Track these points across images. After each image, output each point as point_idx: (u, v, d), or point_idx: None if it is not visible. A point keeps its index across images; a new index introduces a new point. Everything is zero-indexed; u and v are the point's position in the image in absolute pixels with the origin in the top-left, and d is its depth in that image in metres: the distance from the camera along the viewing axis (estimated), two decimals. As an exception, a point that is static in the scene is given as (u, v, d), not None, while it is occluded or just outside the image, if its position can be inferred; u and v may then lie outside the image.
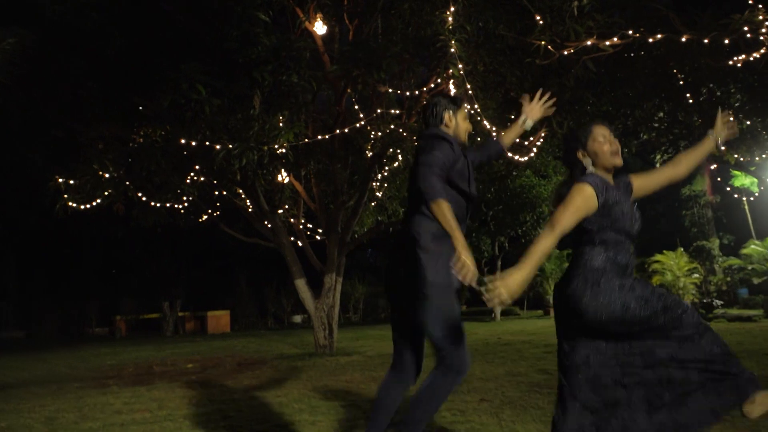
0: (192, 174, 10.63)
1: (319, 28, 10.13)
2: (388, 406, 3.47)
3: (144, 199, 11.47)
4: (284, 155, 7.79)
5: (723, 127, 3.25)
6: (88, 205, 10.34)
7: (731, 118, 3.27)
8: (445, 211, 2.88)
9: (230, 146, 7.27)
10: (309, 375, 8.69)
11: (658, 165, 19.17)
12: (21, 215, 17.83)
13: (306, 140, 8.32)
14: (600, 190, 2.90)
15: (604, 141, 3.03)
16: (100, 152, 8.16)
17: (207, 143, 7.56)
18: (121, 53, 6.84)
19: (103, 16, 6.58)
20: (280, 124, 7.41)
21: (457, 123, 3.40)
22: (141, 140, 7.60)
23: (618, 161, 3.03)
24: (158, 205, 11.77)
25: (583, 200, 2.86)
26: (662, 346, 2.89)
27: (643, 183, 3.22)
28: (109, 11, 6.56)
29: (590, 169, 3.03)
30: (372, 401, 3.51)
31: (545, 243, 2.76)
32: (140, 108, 7.14)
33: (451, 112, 3.40)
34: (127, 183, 10.14)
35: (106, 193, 9.91)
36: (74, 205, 10.33)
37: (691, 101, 10.56)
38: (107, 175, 8.77)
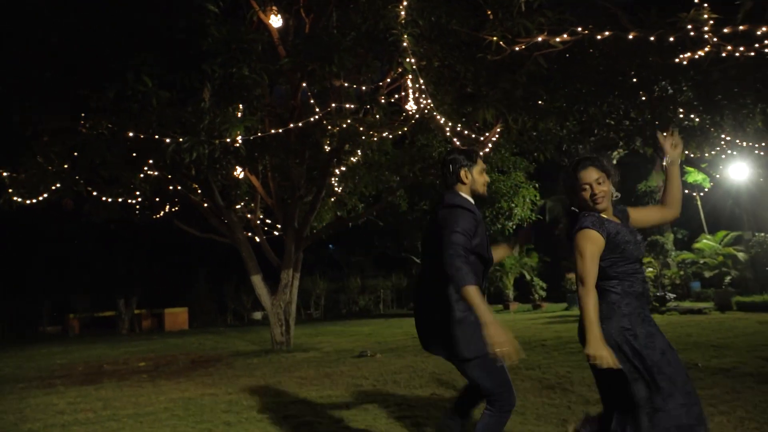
0: (146, 168, 10.42)
1: (275, 21, 10.02)
2: None
3: (95, 193, 11.21)
4: (237, 149, 7.65)
5: (672, 148, 3.36)
6: (34, 200, 10.06)
7: (672, 135, 3.34)
8: (473, 296, 2.99)
9: (180, 140, 7.12)
10: (263, 372, 8.60)
11: (614, 161, 19.47)
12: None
13: (259, 134, 8.19)
14: (598, 227, 3.05)
15: (588, 188, 3.12)
16: (45, 145, 7.91)
17: (156, 137, 7.39)
18: (66, 43, 6.62)
19: (46, 3, 6.36)
20: (233, 118, 7.28)
21: (473, 179, 3.45)
22: (86, 132, 7.37)
23: (600, 206, 3.11)
24: (110, 200, 11.52)
25: (592, 244, 3.02)
26: None
27: (638, 216, 3.36)
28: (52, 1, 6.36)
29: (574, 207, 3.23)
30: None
31: (592, 301, 2.96)
32: (86, 100, 6.92)
33: (466, 168, 3.45)
34: (77, 177, 9.88)
35: (53, 188, 9.63)
36: (19, 199, 10.03)
37: (643, 98, 10.74)
38: (52, 169, 8.50)
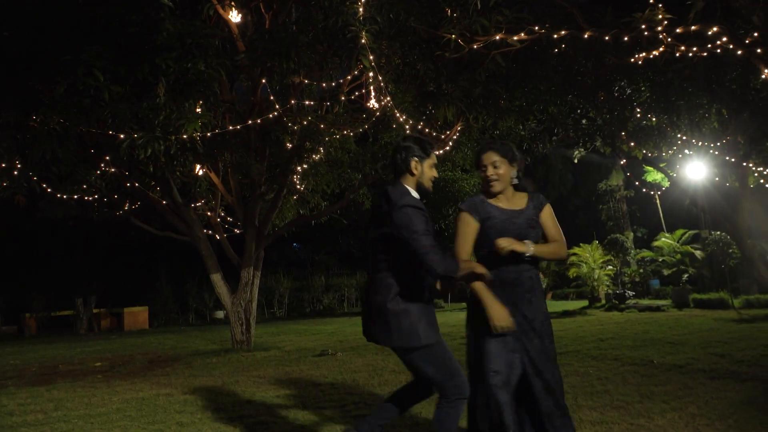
0: (102, 165, 10.19)
1: (234, 16, 9.89)
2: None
3: (49, 190, 10.93)
4: (194, 146, 7.53)
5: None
6: (-17, 197, 9.76)
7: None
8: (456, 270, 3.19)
9: (135, 136, 6.96)
10: (221, 371, 8.49)
11: (576, 161, 19.78)
12: None
13: (216, 131, 8.07)
14: (473, 211, 3.39)
15: (485, 170, 3.42)
16: (-6, 141, 7.67)
17: (111, 132, 7.23)
18: (17, 35, 6.42)
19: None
20: (189, 114, 7.15)
21: (422, 171, 3.41)
22: (36, 127, 7.15)
23: (493, 188, 3.41)
24: (65, 197, 11.25)
25: (464, 225, 3.37)
26: None
27: (545, 222, 3.51)
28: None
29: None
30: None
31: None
32: (36, 94, 6.72)
33: (417, 159, 3.40)
34: (30, 174, 9.61)
35: (3, 184, 9.35)
36: (-33, 195, 9.72)
37: (602, 98, 10.90)
38: (3, 165, 8.25)
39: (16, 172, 9.07)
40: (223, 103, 10.69)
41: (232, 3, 9.43)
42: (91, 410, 6.11)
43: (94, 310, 21.87)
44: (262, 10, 10.24)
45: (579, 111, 11.78)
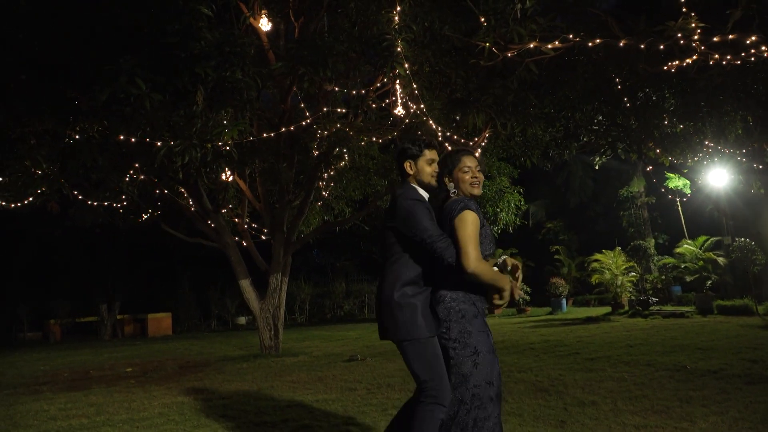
0: (131, 172, 10.34)
1: (264, 24, 10.03)
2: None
3: (81, 197, 11.10)
4: (228, 153, 7.63)
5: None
6: (19, 204, 9.93)
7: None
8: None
9: (172, 143, 7.08)
10: (254, 376, 8.57)
11: (597, 167, 19.73)
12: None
13: (251, 138, 8.18)
14: (478, 212, 3.25)
15: (469, 171, 3.37)
16: (32, 148, 7.82)
17: (148, 140, 7.35)
18: (55, 44, 6.56)
19: (34, 4, 6.30)
20: (224, 121, 7.26)
21: (418, 169, 3.42)
22: (77, 136, 7.29)
23: (475, 191, 3.38)
24: (96, 204, 11.42)
25: (473, 224, 3.19)
26: None
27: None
28: (42, 1, 6.30)
29: (453, 190, 3.39)
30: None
31: (484, 265, 3.17)
32: (75, 102, 6.86)
33: (410, 160, 3.44)
34: (62, 181, 9.77)
35: (39, 191, 9.52)
36: (4, 203, 9.91)
37: (628, 105, 10.90)
38: (40, 172, 8.41)
39: (54, 180, 9.26)
40: (256, 111, 10.84)
41: (263, 11, 9.58)
42: (134, 414, 6.20)
43: (118, 317, 22.13)
44: (292, 18, 10.36)
45: (603, 117, 11.78)
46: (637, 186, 23.82)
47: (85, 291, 21.92)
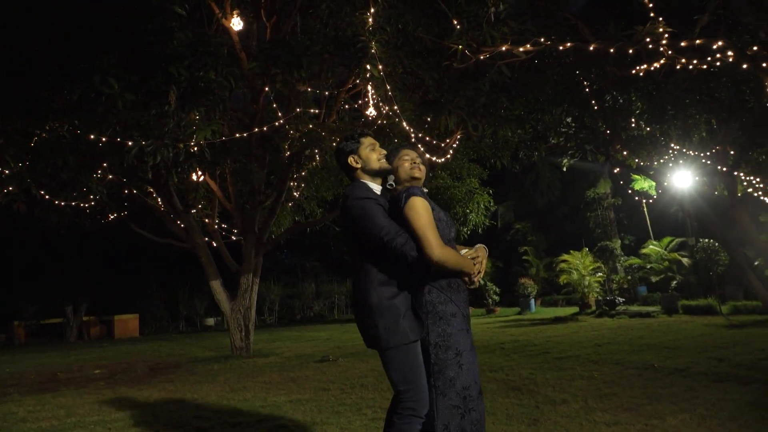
0: (99, 171, 10.19)
1: (236, 24, 9.97)
2: None
3: (47, 197, 10.91)
4: (200, 153, 7.59)
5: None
6: (-18, 204, 9.74)
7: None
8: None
9: (144, 143, 7.02)
10: (226, 377, 8.52)
11: (564, 169, 20.01)
12: None
13: (223, 138, 8.13)
14: (425, 197, 3.14)
15: (408, 159, 3.30)
16: (0, 147, 7.67)
17: (119, 139, 7.27)
18: (28, 43, 6.46)
19: (6, 3, 6.20)
20: (197, 121, 7.22)
21: (363, 159, 3.30)
22: (45, 135, 7.17)
23: (416, 174, 3.27)
24: (62, 204, 11.23)
25: (425, 210, 3.06)
26: None
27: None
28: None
29: (390, 181, 3.32)
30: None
31: (450, 251, 3.06)
32: (47, 101, 6.75)
33: (352, 155, 3.31)
34: (29, 180, 9.59)
35: (5, 191, 9.34)
36: (-32, 203, 9.70)
37: (596, 108, 11.11)
38: (7, 172, 8.25)
39: (22, 179, 9.09)
40: (228, 111, 10.78)
41: (235, 11, 9.53)
42: (105, 416, 6.13)
43: (84, 318, 21.73)
44: (264, 18, 10.32)
45: (572, 120, 11.97)
46: (604, 187, 24.25)
47: (50, 292, 21.48)
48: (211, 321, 23.80)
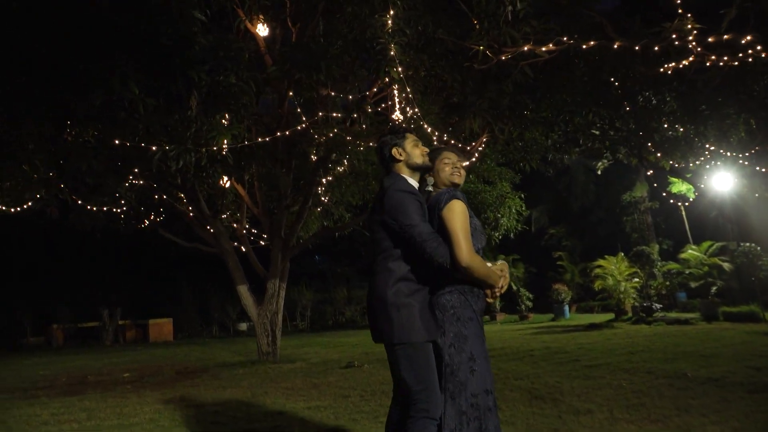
0: (130, 177, 10.32)
1: (261, 30, 10.01)
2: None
3: (79, 202, 11.10)
4: (224, 158, 7.60)
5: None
6: (18, 208, 9.94)
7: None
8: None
9: (167, 148, 7.06)
10: (249, 383, 8.51)
11: (599, 172, 19.64)
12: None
13: (246, 142, 8.14)
14: (465, 201, 3.20)
15: (449, 163, 3.35)
16: (29, 152, 7.80)
17: (143, 144, 7.33)
18: (50, 48, 6.54)
19: (28, 8, 6.28)
20: (219, 126, 7.23)
21: (407, 153, 3.32)
22: (71, 140, 7.28)
23: (457, 180, 3.34)
24: (95, 208, 11.41)
25: (463, 213, 3.11)
26: None
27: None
28: (36, 3, 6.27)
29: (429, 186, 3.36)
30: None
31: (479, 259, 3.10)
32: (71, 106, 6.84)
33: (397, 147, 3.33)
34: (61, 186, 9.76)
35: (38, 196, 9.52)
36: (4, 208, 9.91)
37: (627, 109, 10.82)
38: (36, 177, 8.40)
39: (50, 184, 9.26)
40: (251, 116, 10.81)
41: (260, 17, 9.56)
42: (124, 420, 6.16)
43: (120, 322, 22.12)
44: (289, 24, 10.34)
45: (606, 121, 11.68)
46: (640, 191, 23.69)
47: (87, 296, 21.93)
48: (243, 326, 23.97)
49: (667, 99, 10.88)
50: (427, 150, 3.40)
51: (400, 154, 3.32)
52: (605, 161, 18.43)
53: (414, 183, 3.29)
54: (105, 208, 11.63)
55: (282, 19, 10.38)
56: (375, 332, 3.19)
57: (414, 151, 3.33)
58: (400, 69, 6.87)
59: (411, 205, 3.09)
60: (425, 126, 8.23)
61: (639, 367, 7.91)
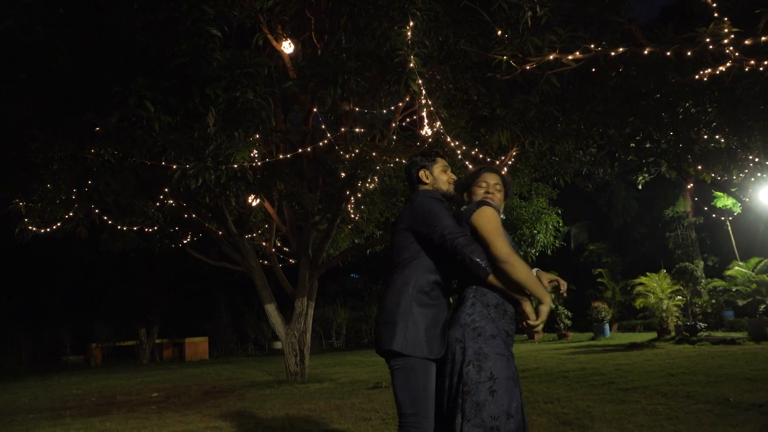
0: (161, 197, 10.35)
1: (287, 47, 9.98)
2: None
3: (110, 222, 11.18)
4: (244, 175, 7.52)
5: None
6: (48, 229, 10.04)
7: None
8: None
9: (187, 166, 7.00)
10: (273, 404, 8.35)
11: (640, 187, 19.08)
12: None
13: (267, 160, 8.06)
14: (495, 207, 3.17)
15: (484, 186, 3.30)
16: (54, 173, 7.86)
17: (164, 163, 7.30)
18: (70, 68, 6.57)
19: (49, 31, 6.32)
20: (239, 143, 7.14)
21: (434, 177, 3.30)
22: (92, 159, 7.30)
23: (492, 201, 3.24)
24: (125, 228, 11.48)
25: (496, 219, 3.03)
26: None
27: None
28: (55, 26, 6.30)
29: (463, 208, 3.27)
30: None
31: (523, 265, 2.92)
32: (91, 126, 6.86)
33: (425, 169, 3.31)
34: (92, 206, 9.83)
35: (66, 216, 9.60)
36: (34, 228, 10.02)
37: (666, 120, 10.40)
38: (63, 197, 8.46)
39: (76, 205, 9.32)
40: (277, 133, 10.75)
41: (285, 35, 9.52)
42: (138, 443, 6.05)
43: (157, 340, 22.31)
44: (314, 40, 10.28)
45: (641, 134, 11.26)
46: (684, 206, 22.95)
47: (124, 315, 22.20)
48: (278, 344, 23.86)
49: (709, 110, 10.43)
50: (454, 178, 3.35)
51: (427, 177, 3.31)
52: (646, 175, 17.86)
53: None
54: (135, 228, 11.68)
55: (307, 36, 10.33)
56: (378, 341, 3.02)
57: (441, 176, 3.32)
58: (420, 82, 6.68)
59: (440, 207, 3.03)
60: (449, 140, 8.01)
61: (678, 390, 7.47)
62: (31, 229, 10.09)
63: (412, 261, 3.02)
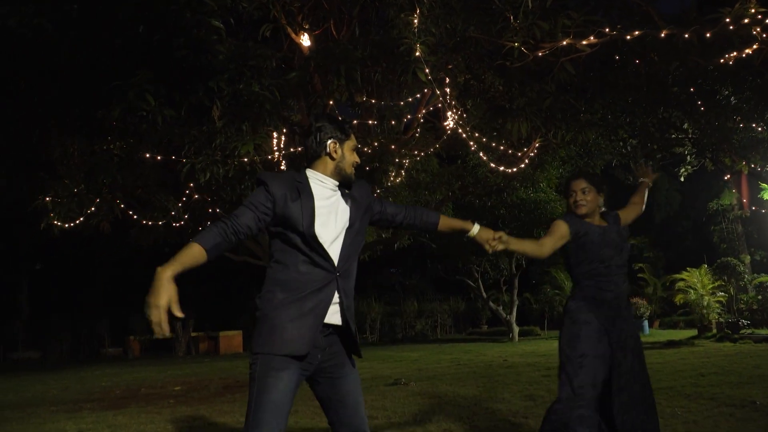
0: (186, 191, 10.36)
1: (306, 40, 9.88)
2: None
3: (135, 217, 11.27)
4: (254, 168, 7.44)
5: (644, 176, 4.34)
6: (71, 224, 10.15)
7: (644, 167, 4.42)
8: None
9: (195, 160, 6.96)
10: (287, 399, 8.26)
11: (682, 179, 18.40)
12: (23, 235, 17.84)
13: (276, 152, 7.96)
14: (568, 220, 3.61)
15: (573, 195, 3.66)
16: (69, 168, 7.92)
17: (173, 157, 7.28)
18: (75, 64, 6.58)
19: (56, 27, 6.33)
20: (246, 136, 7.06)
21: (342, 155, 2.83)
22: (100, 154, 7.32)
23: (579, 211, 3.62)
24: (149, 223, 11.56)
25: (557, 228, 3.60)
26: None
27: (624, 215, 3.88)
28: (61, 22, 6.31)
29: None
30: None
31: (533, 244, 3.63)
32: (99, 120, 6.86)
33: (336, 141, 2.83)
34: (116, 201, 9.91)
35: (88, 212, 9.69)
36: (59, 223, 10.15)
37: (702, 108, 9.88)
38: (83, 192, 8.53)
39: (98, 200, 9.39)
40: (299, 127, 10.65)
41: (303, 27, 9.41)
42: (141, 438, 6.04)
43: (193, 334, 22.59)
44: (333, 33, 10.14)
45: (678, 123, 10.73)
46: (729, 198, 22.06)
47: (161, 308, 22.51)
48: (311, 338, 24.02)
49: (748, 95, 9.86)
50: (359, 161, 2.95)
51: (336, 152, 2.83)
52: (688, 167, 17.19)
53: (329, 181, 2.83)
54: (160, 223, 11.74)
55: (326, 28, 10.20)
56: None
57: (349, 157, 2.87)
58: (427, 71, 6.46)
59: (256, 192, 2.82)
60: (462, 132, 7.76)
61: (703, 392, 7.10)
62: (57, 224, 10.22)
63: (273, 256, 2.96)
